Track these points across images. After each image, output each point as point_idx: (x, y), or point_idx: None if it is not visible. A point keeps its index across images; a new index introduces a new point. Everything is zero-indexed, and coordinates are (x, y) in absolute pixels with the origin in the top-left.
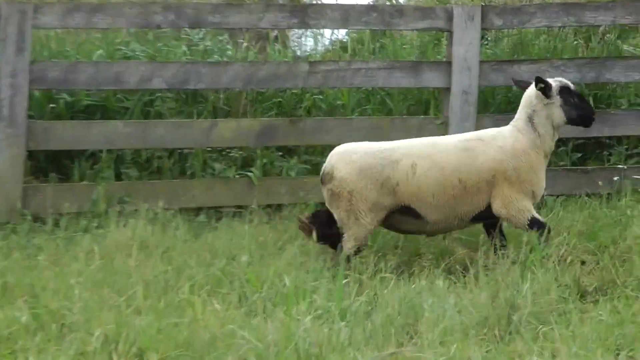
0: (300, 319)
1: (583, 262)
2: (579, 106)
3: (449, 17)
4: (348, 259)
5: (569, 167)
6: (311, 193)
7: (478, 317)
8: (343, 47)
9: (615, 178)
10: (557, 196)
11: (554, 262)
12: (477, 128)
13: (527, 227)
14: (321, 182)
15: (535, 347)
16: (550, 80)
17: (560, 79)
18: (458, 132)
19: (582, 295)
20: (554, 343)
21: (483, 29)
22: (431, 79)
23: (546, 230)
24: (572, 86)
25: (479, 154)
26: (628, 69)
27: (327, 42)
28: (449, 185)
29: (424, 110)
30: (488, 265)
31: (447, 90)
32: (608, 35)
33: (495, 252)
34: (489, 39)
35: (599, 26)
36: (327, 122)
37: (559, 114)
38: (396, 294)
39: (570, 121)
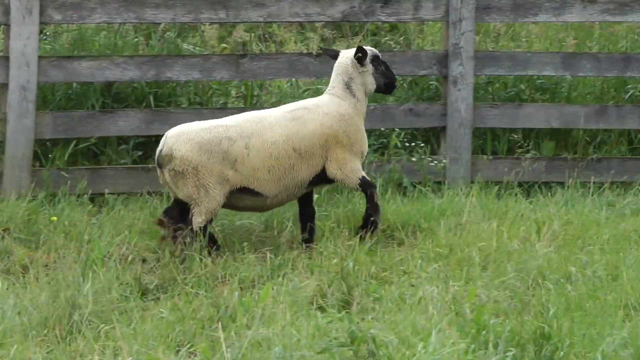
0: None
1: (144, 260)
2: (386, 74)
3: (6, 10)
4: (202, 233)
5: (130, 166)
6: None
7: (39, 317)
8: None
9: None
10: (119, 194)
11: (115, 261)
12: (37, 125)
13: (358, 186)
14: (159, 167)
15: (97, 346)
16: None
17: (370, 48)
18: (17, 129)
19: (144, 293)
20: (116, 341)
21: (42, 23)
22: None
23: (374, 192)
24: (380, 55)
25: (308, 121)
26: (188, 68)
27: None
28: (284, 157)
29: None
30: (49, 264)
31: (5, 85)
32: (168, 33)
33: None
34: (47, 33)
35: (159, 24)
36: None
37: (371, 81)
38: None
39: (378, 88)
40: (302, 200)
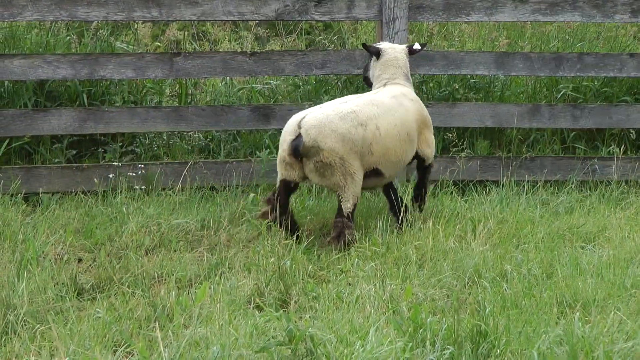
0: None
1: (80, 260)
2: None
3: None
4: (351, 216)
5: (64, 165)
6: None
7: None
8: None
9: (111, 175)
10: (53, 194)
11: (50, 261)
12: None
13: (432, 161)
14: (296, 157)
15: (33, 347)
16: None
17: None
18: None
19: (80, 293)
20: (52, 342)
21: None
22: None
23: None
24: None
25: (409, 107)
26: (121, 66)
27: None
28: (403, 139)
29: None
30: None
31: None
32: (101, 31)
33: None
34: None
35: (91, 22)
36: None
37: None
38: None
39: None
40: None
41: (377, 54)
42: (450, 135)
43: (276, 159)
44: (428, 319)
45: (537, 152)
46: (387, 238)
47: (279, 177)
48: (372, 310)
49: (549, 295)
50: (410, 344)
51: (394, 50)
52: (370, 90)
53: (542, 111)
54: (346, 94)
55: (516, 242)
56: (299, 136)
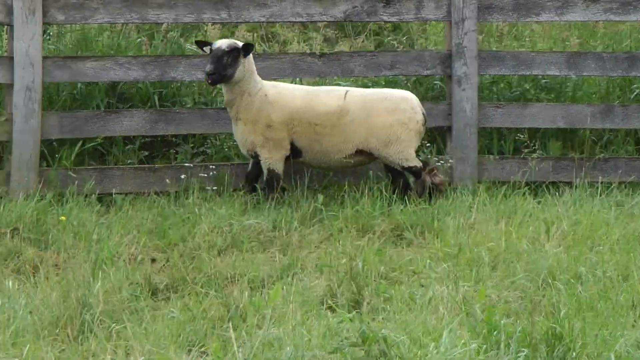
0: None
1: (153, 260)
2: None
3: (9, 11)
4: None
5: (137, 166)
6: None
7: (50, 317)
8: None
9: (183, 176)
10: (126, 194)
11: (124, 261)
12: (43, 125)
13: None
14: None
15: (109, 346)
16: None
17: None
18: (24, 130)
19: (154, 293)
20: (128, 341)
21: (45, 23)
22: None
23: None
24: None
25: None
26: (192, 68)
27: None
28: None
29: None
30: (59, 264)
31: (10, 86)
32: (171, 33)
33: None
34: (51, 34)
35: (161, 24)
36: None
37: None
38: None
39: None
40: None
41: None
42: (522, 136)
43: None
44: (502, 321)
45: (610, 153)
46: (459, 239)
47: (414, 148)
48: (445, 312)
49: (625, 298)
50: (484, 346)
51: None
52: None
53: (615, 112)
54: (416, 95)
55: (590, 244)
56: None
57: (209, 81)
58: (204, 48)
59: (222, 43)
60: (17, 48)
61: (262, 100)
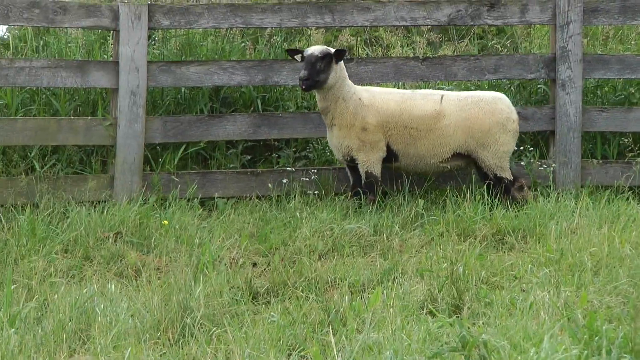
0: None
1: (254, 264)
2: None
3: (115, 16)
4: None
5: (239, 170)
6: None
7: (151, 320)
8: (4, 44)
9: (284, 180)
10: (228, 198)
11: (225, 265)
12: (147, 130)
13: None
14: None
15: (210, 350)
16: None
17: None
18: (128, 134)
19: (254, 296)
20: (228, 345)
21: (150, 28)
22: (98, 79)
23: None
24: None
25: None
26: (295, 72)
27: None
28: None
29: (92, 111)
30: (161, 268)
31: (115, 90)
32: (275, 37)
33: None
34: (156, 38)
35: (265, 28)
36: None
37: None
38: (67, 298)
39: None
40: None
41: None
42: (626, 140)
43: None
44: (604, 327)
45: None
46: (561, 244)
47: (510, 151)
48: (546, 317)
49: None
50: (586, 352)
51: None
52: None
53: None
54: (519, 99)
55: None
56: None
57: (303, 87)
58: (295, 56)
59: (315, 49)
60: (122, 53)
61: (356, 104)
